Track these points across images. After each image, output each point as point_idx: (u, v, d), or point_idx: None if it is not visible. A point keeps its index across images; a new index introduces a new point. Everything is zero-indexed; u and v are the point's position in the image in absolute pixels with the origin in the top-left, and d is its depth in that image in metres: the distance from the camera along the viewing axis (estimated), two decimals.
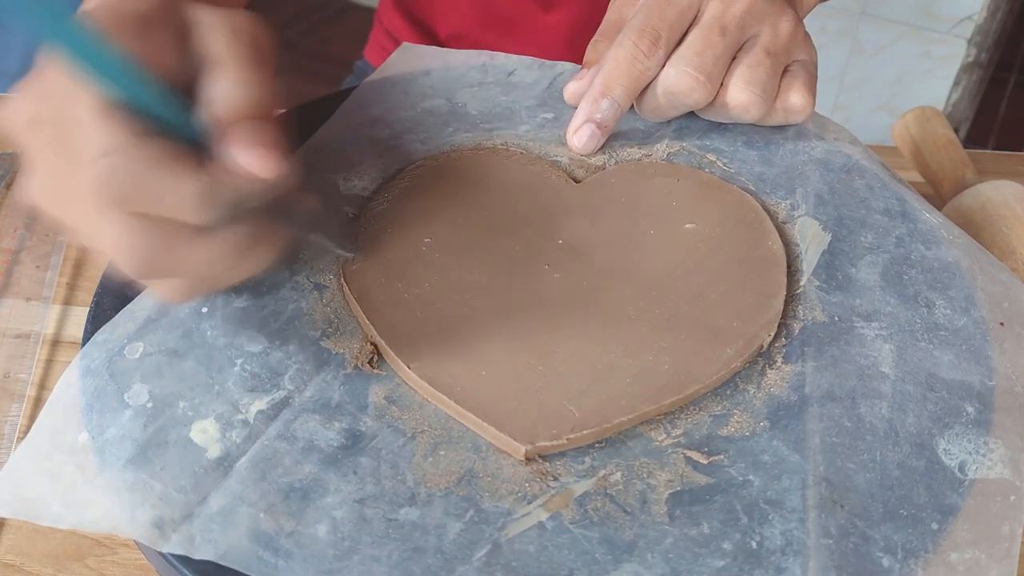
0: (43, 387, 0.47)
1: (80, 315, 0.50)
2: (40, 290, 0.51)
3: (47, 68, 0.33)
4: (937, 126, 0.54)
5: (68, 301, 0.51)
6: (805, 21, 0.51)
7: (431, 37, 0.82)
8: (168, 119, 0.31)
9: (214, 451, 0.34)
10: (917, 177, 0.55)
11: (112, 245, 0.32)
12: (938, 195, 0.51)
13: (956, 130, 0.73)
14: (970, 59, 1.32)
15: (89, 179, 0.30)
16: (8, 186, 0.57)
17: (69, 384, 0.37)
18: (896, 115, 0.58)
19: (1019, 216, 0.46)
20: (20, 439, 0.44)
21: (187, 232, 0.32)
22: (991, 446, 0.35)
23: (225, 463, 0.34)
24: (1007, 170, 0.55)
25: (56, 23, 0.28)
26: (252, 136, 0.32)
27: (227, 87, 0.33)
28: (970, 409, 0.36)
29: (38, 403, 0.46)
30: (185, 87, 0.33)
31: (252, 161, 0.31)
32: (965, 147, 0.55)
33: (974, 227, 0.45)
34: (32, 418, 0.45)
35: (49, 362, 0.48)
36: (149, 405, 0.36)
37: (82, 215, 0.32)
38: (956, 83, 1.35)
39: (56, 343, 0.49)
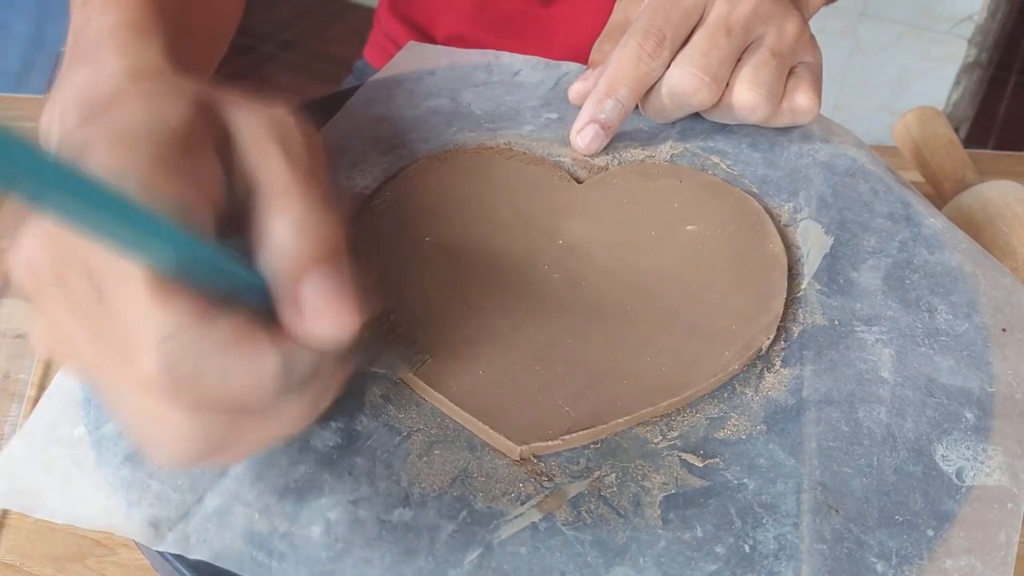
0: (43, 387, 0.47)
1: None
2: None
3: None
4: (937, 126, 0.54)
5: None
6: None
7: (429, 40, 0.82)
8: (226, 280, 0.25)
9: None
10: (917, 177, 0.55)
11: (167, 436, 0.26)
12: (938, 195, 0.51)
13: (956, 130, 0.72)
14: (970, 59, 1.31)
15: (145, 370, 0.24)
16: None
17: (68, 377, 0.37)
18: (896, 115, 0.58)
19: (1019, 216, 0.46)
20: None
21: (250, 413, 0.27)
22: (990, 453, 0.35)
23: None
24: (1007, 170, 0.55)
25: (70, 187, 0.21)
26: (328, 292, 0.26)
27: (290, 227, 0.27)
28: (969, 415, 0.36)
29: (38, 403, 0.46)
30: (226, 215, 0.27)
31: (333, 324, 0.26)
32: (965, 147, 0.54)
33: (974, 227, 0.45)
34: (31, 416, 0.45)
35: (49, 362, 0.48)
36: None
37: (128, 401, 0.26)
38: (956, 83, 1.34)
39: None
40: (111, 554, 0.41)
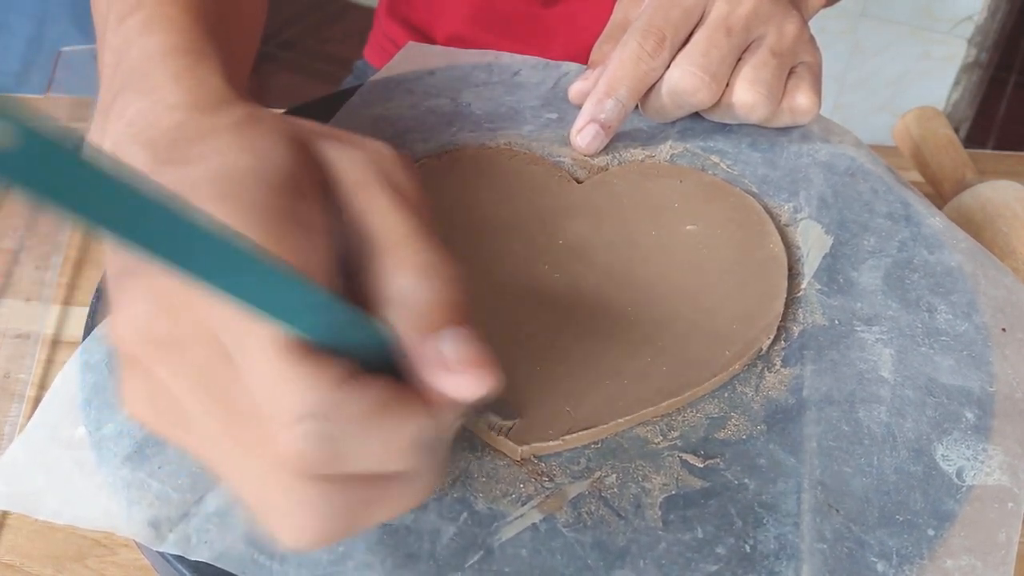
0: (43, 387, 0.47)
1: (80, 315, 0.51)
2: (40, 290, 0.51)
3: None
4: (937, 126, 0.54)
5: (68, 301, 0.52)
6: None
7: (428, 41, 0.82)
8: (361, 343, 0.24)
9: None
10: (917, 177, 0.55)
11: (301, 515, 0.24)
12: (938, 195, 0.51)
13: (956, 130, 0.72)
14: (970, 59, 1.31)
15: (285, 447, 0.22)
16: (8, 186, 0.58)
17: (68, 378, 0.37)
18: (896, 115, 0.58)
19: (1019, 216, 0.46)
20: None
21: (386, 482, 0.25)
22: (990, 452, 0.35)
23: None
24: (1007, 170, 0.55)
25: (198, 243, 0.18)
26: (465, 349, 0.25)
27: (419, 281, 0.25)
28: (970, 415, 0.36)
29: (38, 403, 0.46)
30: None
31: (473, 383, 0.24)
32: (965, 147, 0.54)
33: (974, 227, 0.45)
34: (31, 418, 0.45)
35: (49, 362, 0.48)
36: None
37: (255, 481, 0.24)
38: (956, 83, 1.34)
39: (56, 343, 0.49)
40: (111, 554, 0.41)
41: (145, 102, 0.31)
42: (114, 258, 0.26)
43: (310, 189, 0.25)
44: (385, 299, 0.25)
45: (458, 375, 0.24)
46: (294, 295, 0.21)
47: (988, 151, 0.61)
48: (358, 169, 0.26)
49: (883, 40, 1.38)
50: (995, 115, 1.43)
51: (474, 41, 0.79)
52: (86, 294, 0.52)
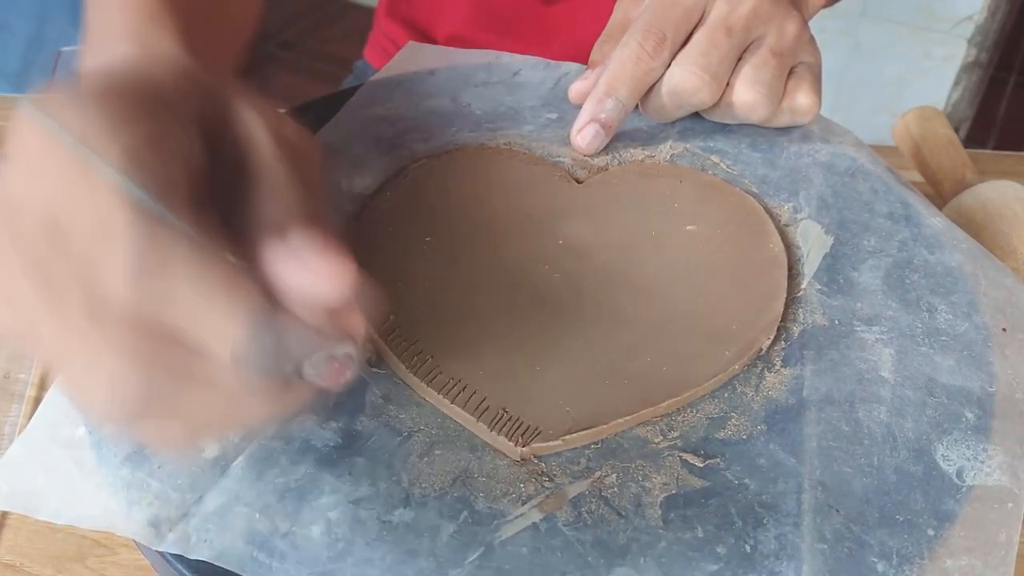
0: (43, 387, 0.47)
1: None
2: None
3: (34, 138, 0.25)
4: (937, 126, 0.54)
5: None
6: None
7: (429, 41, 0.82)
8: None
9: (211, 450, 0.34)
10: (917, 177, 0.54)
11: (110, 383, 0.24)
12: (938, 195, 0.51)
13: (956, 130, 0.72)
14: (970, 59, 1.31)
15: (114, 286, 0.23)
16: None
17: None
18: (896, 115, 0.57)
19: (1019, 216, 0.46)
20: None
21: (210, 367, 0.25)
22: (990, 453, 0.35)
23: (222, 462, 0.34)
24: (1007, 170, 0.55)
25: None
26: (316, 245, 0.25)
27: (281, 205, 0.27)
28: (970, 415, 0.36)
29: (38, 403, 0.46)
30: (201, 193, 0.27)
31: (323, 277, 0.25)
32: (965, 147, 0.54)
33: (974, 227, 0.45)
34: (31, 418, 0.45)
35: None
36: None
37: (71, 342, 0.24)
38: (956, 83, 1.34)
39: None
40: (111, 554, 0.41)
41: (101, 60, 0.34)
42: None
43: (180, 110, 0.27)
44: (254, 221, 0.26)
45: (306, 260, 0.25)
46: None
47: (988, 151, 0.61)
48: (254, 119, 0.28)
49: (883, 40, 1.38)
50: (995, 115, 1.43)
51: (474, 40, 0.79)
52: None
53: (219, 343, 0.24)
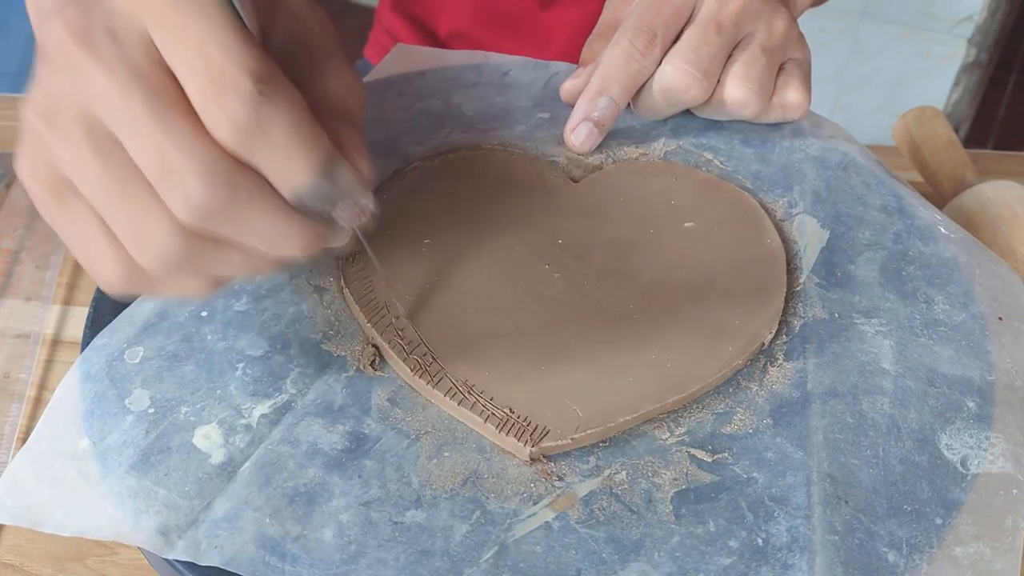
0: (43, 387, 0.47)
1: (80, 315, 0.50)
2: (40, 290, 0.51)
3: None
4: (937, 126, 0.54)
5: (68, 301, 0.51)
6: (805, 21, 0.52)
7: (431, 37, 0.82)
8: None
9: (218, 456, 0.34)
10: (917, 177, 0.55)
11: (174, 168, 0.27)
12: (938, 195, 0.51)
13: (956, 130, 0.72)
14: (970, 59, 1.31)
15: (207, 119, 0.26)
16: (8, 186, 0.57)
17: (69, 389, 0.37)
18: (896, 115, 0.57)
19: (1019, 216, 0.46)
20: (20, 439, 0.44)
21: (270, 195, 0.28)
22: (992, 440, 0.35)
23: (229, 468, 0.34)
24: (1007, 170, 0.55)
25: None
26: (358, 141, 0.31)
27: (344, 83, 0.31)
28: (971, 404, 0.36)
29: (38, 403, 0.45)
30: None
31: (362, 166, 0.30)
32: (965, 147, 0.54)
33: (974, 227, 0.45)
34: (32, 418, 0.45)
35: (49, 362, 0.48)
36: (151, 411, 0.35)
37: (134, 172, 0.27)
38: (956, 83, 1.34)
39: (56, 343, 0.49)
40: (111, 554, 0.41)
41: None
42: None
43: None
44: (320, 90, 0.31)
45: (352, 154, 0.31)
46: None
47: (988, 151, 0.61)
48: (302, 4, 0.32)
49: (883, 40, 1.38)
50: (995, 115, 1.43)
51: (475, 38, 0.78)
52: (86, 294, 0.51)
53: (288, 179, 0.28)
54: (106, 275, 0.29)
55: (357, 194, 0.30)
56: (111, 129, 0.27)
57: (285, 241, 0.29)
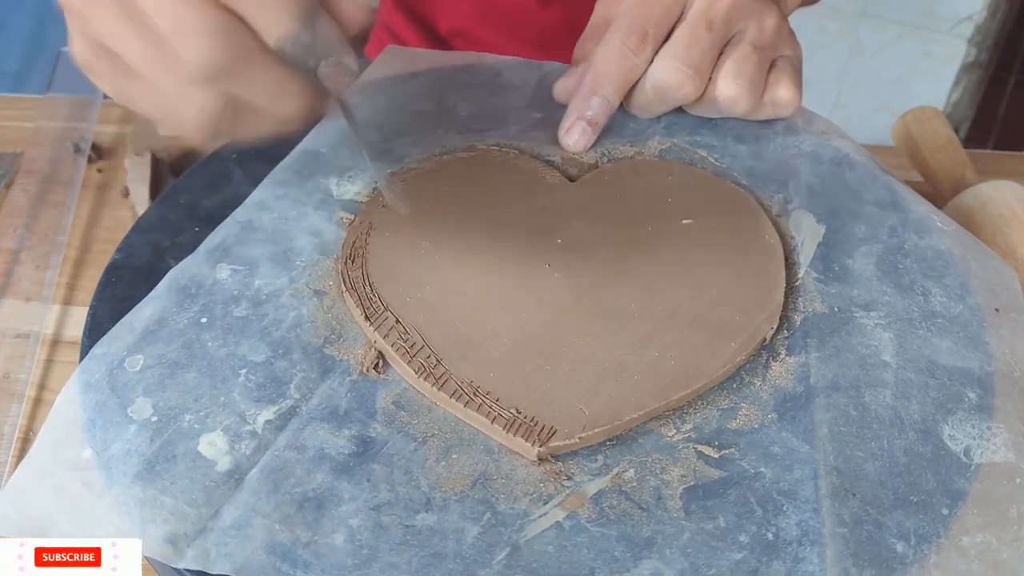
0: (43, 387, 0.46)
1: (80, 315, 0.50)
2: (40, 290, 0.50)
3: None
4: (937, 126, 0.54)
5: (68, 301, 0.51)
6: (804, 21, 0.52)
7: (431, 34, 0.82)
8: None
9: (224, 463, 0.34)
10: (917, 177, 0.55)
11: (185, 27, 0.32)
12: (938, 195, 0.51)
13: (956, 130, 0.71)
14: (970, 59, 1.31)
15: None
16: (8, 186, 0.57)
17: (69, 399, 0.36)
18: (896, 115, 0.57)
19: (1019, 216, 0.46)
20: (20, 439, 0.43)
21: (264, 50, 0.33)
22: (994, 430, 0.36)
23: (236, 475, 0.33)
24: (1007, 170, 0.55)
25: None
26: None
27: None
28: (971, 395, 0.37)
29: (38, 403, 0.45)
30: None
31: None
32: (965, 147, 0.54)
33: (974, 227, 0.45)
34: (32, 418, 0.44)
35: (49, 362, 0.47)
36: (154, 419, 0.35)
37: (160, 86, 0.33)
38: (956, 83, 1.34)
39: (56, 343, 0.48)
40: None
41: None
42: None
43: None
44: None
45: None
46: None
47: (988, 151, 0.61)
48: None
49: (883, 40, 1.38)
50: (995, 115, 1.43)
51: (476, 35, 0.78)
52: (86, 294, 0.51)
53: (271, 28, 0.33)
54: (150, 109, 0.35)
55: (338, 50, 0.34)
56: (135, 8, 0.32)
57: (283, 97, 0.34)
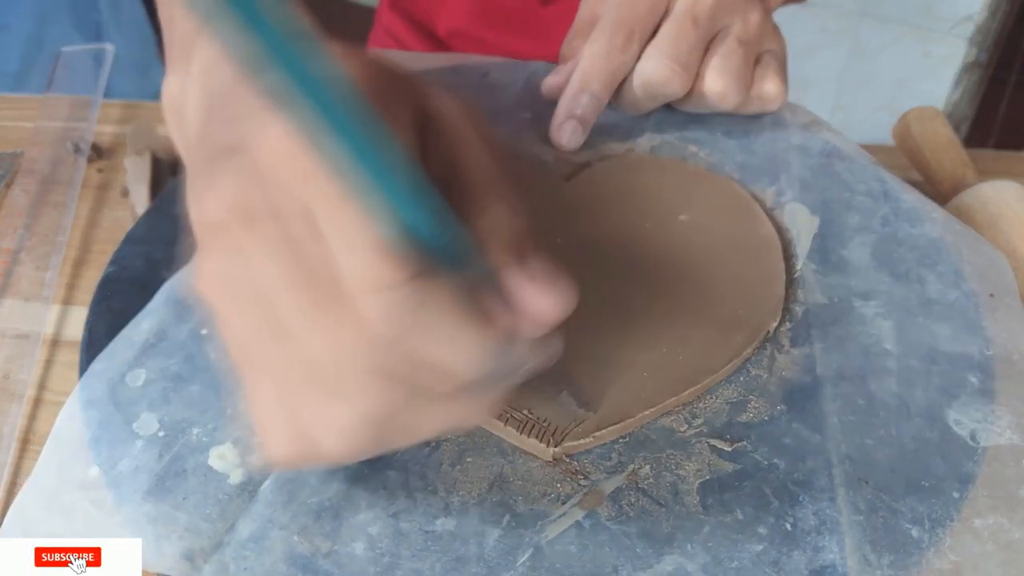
0: (43, 387, 0.45)
1: (80, 315, 0.49)
2: (40, 290, 0.50)
3: (262, 136, 0.24)
4: (937, 126, 0.55)
5: (68, 301, 0.50)
6: (805, 21, 0.52)
7: (430, 35, 0.81)
8: (441, 250, 0.24)
9: (236, 476, 0.33)
10: (917, 177, 0.55)
11: (352, 399, 0.25)
12: (938, 195, 0.51)
13: (956, 130, 0.71)
14: (970, 59, 1.32)
15: (366, 314, 0.23)
16: (8, 186, 0.56)
17: (71, 417, 0.36)
18: (896, 115, 0.57)
19: (1019, 216, 0.47)
20: (19, 439, 0.42)
21: (438, 396, 0.26)
22: (998, 413, 0.36)
23: (249, 487, 0.33)
24: (1007, 170, 0.55)
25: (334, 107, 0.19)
26: (544, 270, 0.27)
27: (505, 216, 0.26)
28: (973, 379, 0.37)
29: (37, 403, 0.44)
30: None
31: (550, 299, 0.26)
32: (965, 147, 0.55)
33: (974, 227, 0.45)
34: (32, 418, 0.44)
35: (48, 362, 0.47)
36: (161, 434, 0.35)
37: (321, 355, 0.25)
38: (956, 83, 1.35)
39: (56, 343, 0.48)
40: None
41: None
42: (209, 142, 0.28)
43: (401, 112, 0.25)
44: (476, 229, 0.26)
45: (542, 286, 0.26)
46: (401, 180, 0.22)
47: (988, 151, 0.61)
48: (460, 119, 0.27)
49: (883, 40, 1.38)
50: (995, 115, 1.44)
51: (475, 36, 0.78)
52: (86, 294, 0.50)
53: (461, 368, 0.25)
54: (279, 453, 0.27)
55: (530, 359, 0.28)
56: (277, 319, 0.25)
57: (461, 418, 0.28)
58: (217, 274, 0.26)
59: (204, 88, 0.33)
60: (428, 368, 0.25)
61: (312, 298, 0.24)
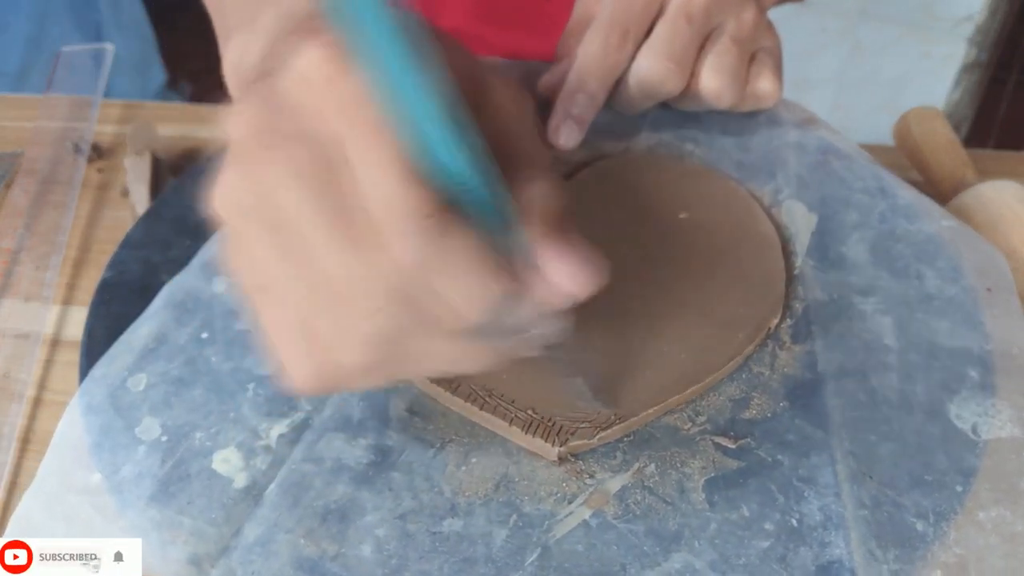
0: (43, 387, 0.45)
1: (80, 315, 0.49)
2: (40, 290, 0.49)
3: (298, 60, 0.24)
4: (937, 126, 0.55)
5: (67, 301, 0.50)
6: (805, 21, 0.52)
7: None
8: (480, 201, 0.25)
9: (240, 480, 0.33)
10: (917, 177, 0.55)
11: (368, 319, 0.26)
12: (938, 195, 0.51)
13: (956, 130, 0.71)
14: (970, 59, 1.32)
15: (396, 255, 0.24)
16: (8, 186, 0.55)
17: (72, 423, 0.36)
18: (896, 115, 0.57)
19: (1019, 216, 0.47)
20: (19, 439, 0.42)
21: (444, 330, 0.27)
22: (998, 407, 0.36)
23: (254, 491, 0.33)
24: (1007, 170, 0.55)
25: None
26: (576, 248, 0.28)
27: (545, 193, 0.27)
28: (973, 373, 0.37)
29: (37, 403, 0.44)
30: None
31: (576, 274, 0.27)
32: (965, 147, 0.55)
33: (974, 227, 0.45)
34: (32, 418, 0.43)
35: (49, 362, 0.46)
36: (164, 439, 0.34)
37: (325, 283, 0.26)
38: (956, 83, 1.35)
39: (55, 343, 0.47)
40: None
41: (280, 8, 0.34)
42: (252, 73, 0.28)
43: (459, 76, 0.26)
44: (520, 197, 0.27)
45: (575, 260, 0.27)
46: (447, 122, 0.23)
47: (988, 151, 0.61)
48: (513, 98, 0.28)
49: (883, 40, 1.37)
50: (995, 115, 1.44)
51: (476, 33, 0.78)
52: (86, 294, 0.50)
53: (468, 309, 0.26)
54: (301, 375, 0.28)
55: (537, 326, 0.29)
56: (298, 240, 0.25)
57: (464, 361, 0.28)
58: (235, 194, 0.26)
59: (268, 37, 0.33)
60: (438, 301, 0.25)
61: (335, 220, 0.24)
